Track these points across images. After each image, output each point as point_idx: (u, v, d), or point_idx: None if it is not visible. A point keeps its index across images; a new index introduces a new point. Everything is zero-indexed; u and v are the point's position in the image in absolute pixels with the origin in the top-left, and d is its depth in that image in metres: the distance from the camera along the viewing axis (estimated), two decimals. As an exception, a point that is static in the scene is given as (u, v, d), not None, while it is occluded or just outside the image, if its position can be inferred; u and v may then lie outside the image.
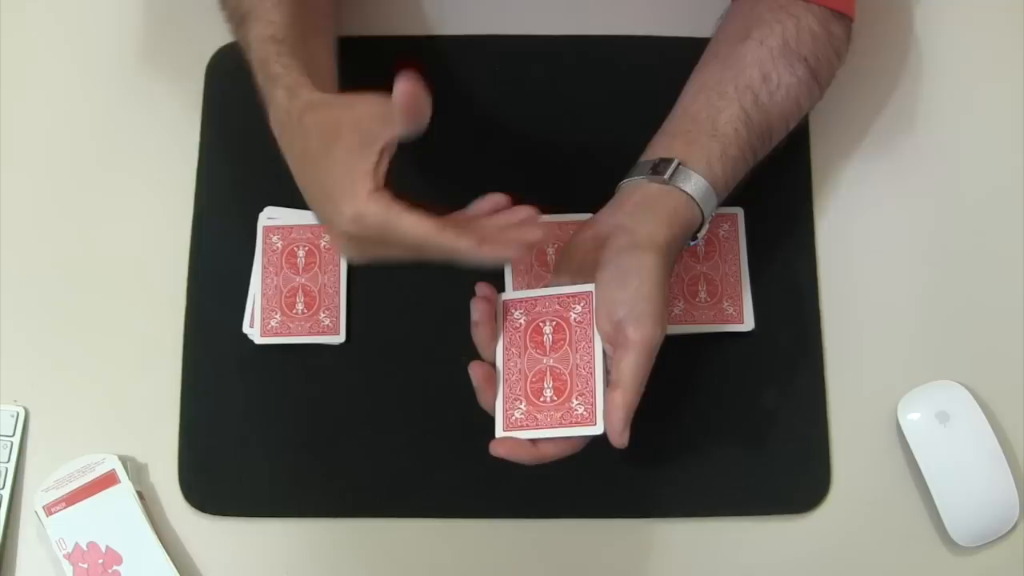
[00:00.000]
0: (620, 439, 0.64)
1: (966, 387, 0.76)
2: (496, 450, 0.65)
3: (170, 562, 0.73)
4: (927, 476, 0.75)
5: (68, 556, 0.72)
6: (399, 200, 0.59)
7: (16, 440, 0.76)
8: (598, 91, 0.83)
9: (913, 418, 0.76)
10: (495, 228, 0.62)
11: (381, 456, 0.77)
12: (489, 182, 0.81)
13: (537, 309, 0.68)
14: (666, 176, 0.68)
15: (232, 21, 0.71)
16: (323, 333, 0.77)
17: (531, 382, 0.67)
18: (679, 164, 0.69)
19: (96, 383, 0.78)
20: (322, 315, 0.78)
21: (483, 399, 0.68)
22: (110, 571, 0.72)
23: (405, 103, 0.59)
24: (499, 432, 0.67)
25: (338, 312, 0.78)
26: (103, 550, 0.72)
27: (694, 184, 0.68)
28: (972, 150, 0.83)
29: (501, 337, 0.68)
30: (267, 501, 0.76)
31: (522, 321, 0.68)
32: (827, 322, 0.79)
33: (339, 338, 0.78)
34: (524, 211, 0.64)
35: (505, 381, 0.67)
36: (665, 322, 0.65)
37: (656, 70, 0.82)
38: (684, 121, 0.72)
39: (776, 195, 0.80)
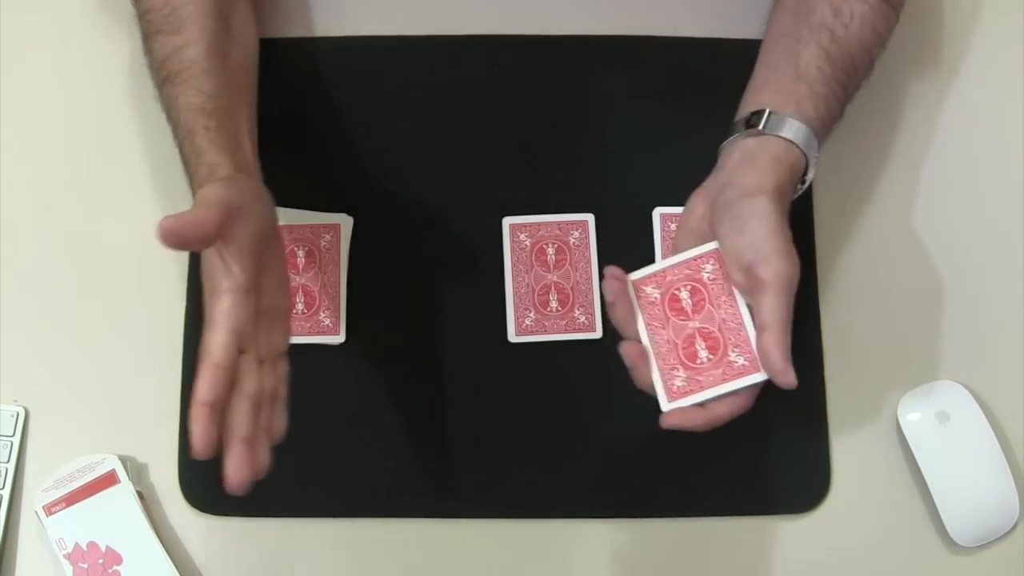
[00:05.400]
0: (786, 377, 0.63)
1: (966, 387, 0.76)
2: (667, 422, 0.65)
3: (170, 562, 0.73)
4: (927, 476, 0.75)
5: (68, 556, 0.72)
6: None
7: (16, 440, 0.76)
8: (599, 91, 0.83)
9: (913, 418, 0.76)
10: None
11: (381, 456, 0.77)
12: (489, 182, 0.81)
13: (668, 279, 0.68)
14: (760, 127, 0.69)
15: (156, 75, 0.71)
16: (323, 333, 0.77)
17: (683, 348, 0.66)
18: (770, 113, 0.69)
19: (96, 383, 0.78)
20: (322, 315, 0.78)
21: (638, 378, 0.67)
22: (110, 571, 0.72)
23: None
24: (664, 405, 0.66)
25: (338, 312, 0.78)
26: (103, 550, 0.72)
27: (789, 128, 0.69)
28: (972, 150, 0.83)
29: (640, 315, 0.68)
30: (267, 501, 0.76)
31: (656, 295, 0.68)
32: (827, 322, 0.79)
33: (339, 338, 0.78)
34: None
35: (657, 354, 0.67)
36: (795, 257, 0.65)
37: (658, 70, 0.82)
38: (766, 72, 0.73)
39: (776, 195, 0.80)
